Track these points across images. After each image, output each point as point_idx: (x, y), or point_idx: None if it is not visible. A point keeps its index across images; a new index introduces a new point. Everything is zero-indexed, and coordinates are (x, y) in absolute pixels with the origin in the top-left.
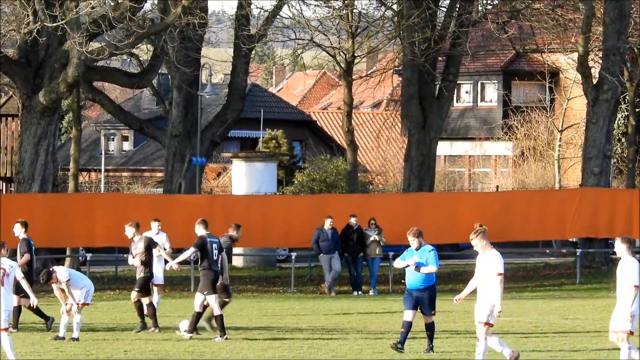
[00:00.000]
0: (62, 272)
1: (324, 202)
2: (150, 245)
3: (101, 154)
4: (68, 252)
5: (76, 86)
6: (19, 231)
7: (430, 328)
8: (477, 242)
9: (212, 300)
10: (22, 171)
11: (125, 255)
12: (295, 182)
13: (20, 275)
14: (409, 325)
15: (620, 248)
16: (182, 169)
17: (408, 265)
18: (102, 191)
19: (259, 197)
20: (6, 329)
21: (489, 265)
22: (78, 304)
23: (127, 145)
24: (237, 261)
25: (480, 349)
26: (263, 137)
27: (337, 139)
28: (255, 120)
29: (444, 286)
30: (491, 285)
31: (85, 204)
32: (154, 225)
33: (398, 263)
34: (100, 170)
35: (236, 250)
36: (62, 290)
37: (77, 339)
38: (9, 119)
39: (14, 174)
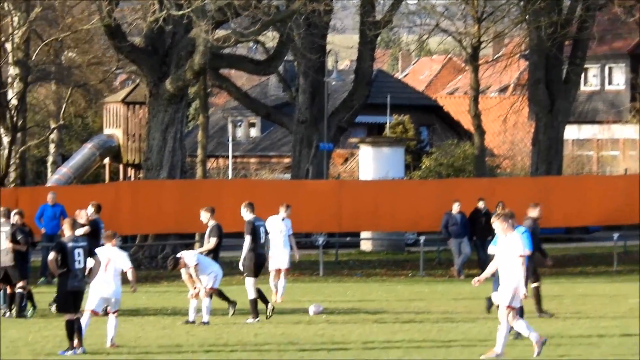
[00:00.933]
0: (190, 257)
1: (451, 186)
2: (220, 234)
3: (228, 140)
4: (197, 238)
5: (203, 73)
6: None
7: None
8: (498, 225)
9: (250, 283)
10: (151, 158)
11: None
12: (423, 166)
13: (128, 266)
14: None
15: None
16: (309, 154)
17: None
18: (229, 177)
19: (387, 182)
20: (110, 313)
21: (511, 247)
22: (206, 288)
23: (254, 132)
24: (366, 245)
25: (502, 332)
26: (390, 123)
27: (464, 124)
28: (382, 106)
29: (573, 269)
30: (514, 267)
31: (213, 190)
32: (282, 210)
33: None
34: (227, 157)
35: (365, 234)
36: (191, 275)
37: (207, 323)
38: (137, 106)
39: (143, 160)
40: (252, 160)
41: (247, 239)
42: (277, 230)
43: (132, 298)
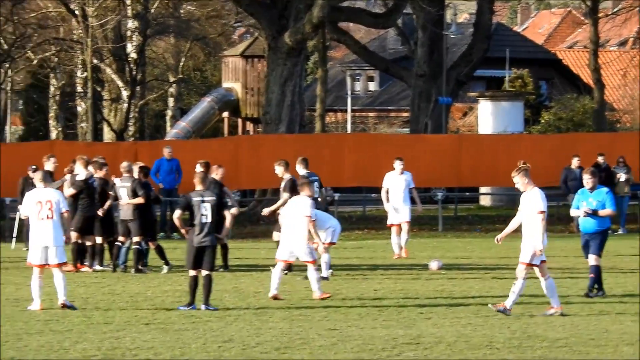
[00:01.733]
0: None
1: (571, 141)
2: (294, 186)
3: (347, 94)
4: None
5: (321, 27)
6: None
7: (594, 270)
8: (518, 180)
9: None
10: (269, 112)
11: (373, 195)
12: (542, 121)
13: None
14: (598, 270)
15: None
16: (428, 108)
17: (585, 214)
18: (348, 131)
19: (506, 136)
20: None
21: (530, 203)
22: (324, 243)
23: (372, 86)
24: (484, 200)
25: (517, 287)
26: (509, 77)
27: (583, 78)
28: (501, 60)
29: None
30: (533, 223)
31: (332, 144)
32: (397, 164)
33: (573, 212)
34: (346, 111)
35: (484, 189)
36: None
37: (327, 278)
38: (255, 60)
39: (262, 115)
40: (371, 114)
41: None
42: (396, 185)
43: (251, 253)
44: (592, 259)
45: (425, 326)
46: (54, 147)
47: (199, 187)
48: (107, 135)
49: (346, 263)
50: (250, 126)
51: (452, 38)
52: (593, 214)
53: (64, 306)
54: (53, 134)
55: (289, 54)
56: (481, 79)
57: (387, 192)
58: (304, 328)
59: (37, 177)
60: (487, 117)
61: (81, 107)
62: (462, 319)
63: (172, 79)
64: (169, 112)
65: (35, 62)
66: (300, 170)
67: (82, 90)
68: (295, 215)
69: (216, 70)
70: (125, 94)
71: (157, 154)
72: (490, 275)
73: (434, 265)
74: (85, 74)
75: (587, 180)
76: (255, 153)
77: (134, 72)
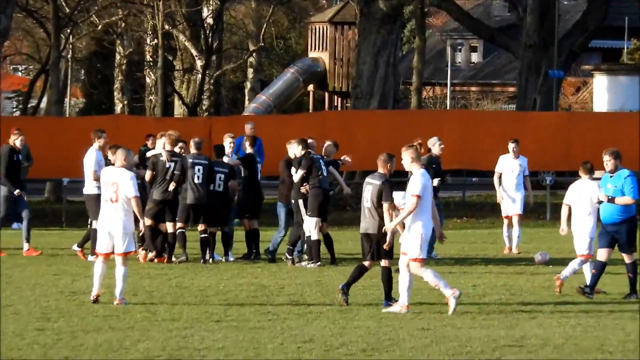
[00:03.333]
0: (399, 197)
1: None
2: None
3: (447, 66)
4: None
5: None
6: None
7: (631, 269)
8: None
9: (312, 223)
10: (360, 85)
11: (474, 179)
12: None
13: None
14: (601, 267)
15: None
16: (537, 82)
17: (600, 202)
18: (447, 107)
19: (623, 114)
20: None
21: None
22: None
23: (475, 57)
24: None
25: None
26: (628, 48)
27: None
28: (619, 29)
29: None
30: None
31: (429, 121)
32: (512, 146)
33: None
34: (445, 85)
35: (598, 174)
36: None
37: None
38: (345, 27)
39: (351, 88)
40: (473, 88)
41: (299, 173)
42: (510, 170)
43: (336, 243)
44: (604, 254)
45: (530, 326)
46: (119, 122)
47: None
48: (178, 109)
49: (442, 255)
50: (338, 101)
51: (565, 4)
52: (610, 202)
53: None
54: (118, 108)
55: (383, 20)
56: (597, 51)
57: (500, 178)
58: (394, 327)
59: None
60: (603, 93)
61: (150, 78)
62: (571, 319)
63: (252, 48)
64: (248, 85)
65: (99, 27)
66: (298, 151)
67: (151, 59)
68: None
69: (301, 38)
70: (199, 63)
71: (234, 130)
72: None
73: (539, 258)
74: (155, 41)
75: (607, 161)
76: (344, 131)
77: (209, 40)
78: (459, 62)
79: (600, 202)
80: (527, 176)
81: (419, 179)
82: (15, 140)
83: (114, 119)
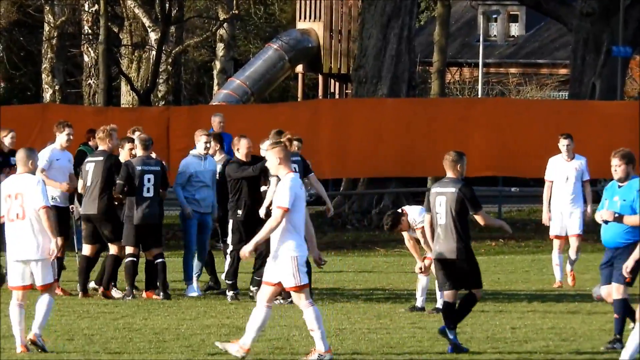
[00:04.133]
0: (415, 213)
1: None
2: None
3: (478, 41)
4: (429, 184)
5: None
6: None
7: (620, 307)
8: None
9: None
10: (364, 66)
11: (512, 189)
12: None
13: None
14: (623, 306)
15: None
16: (596, 63)
17: (606, 222)
18: (479, 95)
19: None
20: None
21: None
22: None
23: (516, 29)
24: None
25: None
26: None
27: None
28: None
29: None
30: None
31: (455, 113)
32: (564, 144)
33: (597, 215)
34: (476, 65)
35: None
36: (417, 242)
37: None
38: None
39: (352, 69)
40: (512, 70)
41: (272, 181)
42: (562, 176)
43: (334, 270)
44: (615, 291)
45: None
46: (48, 113)
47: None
48: (126, 97)
49: None
50: (335, 86)
51: None
52: (616, 220)
53: (33, 342)
54: (47, 95)
55: None
56: None
57: (551, 188)
58: None
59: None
60: None
61: (89, 55)
62: None
63: (222, 17)
64: (217, 65)
65: None
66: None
67: (90, 31)
68: None
69: (286, 5)
70: (153, 37)
71: (197, 124)
72: None
73: (599, 292)
74: (95, 6)
75: (616, 166)
76: (343, 124)
77: (166, 5)
78: (494, 36)
79: (606, 222)
80: (588, 181)
81: (287, 185)
82: None
83: (41, 108)
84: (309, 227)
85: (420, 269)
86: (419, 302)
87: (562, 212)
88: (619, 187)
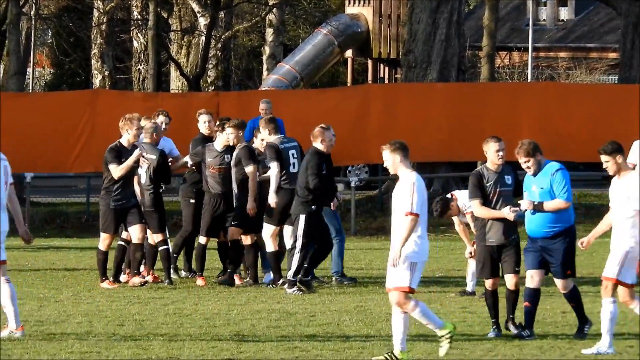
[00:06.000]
0: (465, 198)
1: None
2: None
3: (527, 25)
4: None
5: None
6: None
7: (572, 298)
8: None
9: (268, 232)
10: (414, 50)
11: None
12: None
13: None
14: (533, 295)
15: None
16: None
17: (523, 212)
18: (529, 79)
19: None
20: None
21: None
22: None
23: (565, 13)
24: None
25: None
26: None
27: None
28: None
29: None
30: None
31: (504, 98)
32: None
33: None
34: (526, 49)
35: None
36: (467, 226)
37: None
38: None
39: (402, 54)
40: (562, 54)
41: (274, 166)
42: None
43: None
44: (560, 285)
45: None
46: (98, 98)
47: None
48: (176, 82)
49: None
50: (384, 71)
51: None
52: (536, 208)
53: None
54: (96, 80)
55: None
56: None
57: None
58: None
59: None
60: None
61: (138, 41)
62: None
63: (271, 2)
64: (267, 50)
65: None
66: (267, 136)
67: (139, 17)
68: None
69: None
70: (202, 22)
71: (248, 109)
72: None
73: None
74: None
75: (525, 163)
76: (392, 109)
77: None
78: (544, 20)
79: (533, 212)
80: None
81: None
82: None
83: (91, 94)
84: (14, 204)
85: (470, 253)
86: (469, 287)
87: None
88: (534, 175)
